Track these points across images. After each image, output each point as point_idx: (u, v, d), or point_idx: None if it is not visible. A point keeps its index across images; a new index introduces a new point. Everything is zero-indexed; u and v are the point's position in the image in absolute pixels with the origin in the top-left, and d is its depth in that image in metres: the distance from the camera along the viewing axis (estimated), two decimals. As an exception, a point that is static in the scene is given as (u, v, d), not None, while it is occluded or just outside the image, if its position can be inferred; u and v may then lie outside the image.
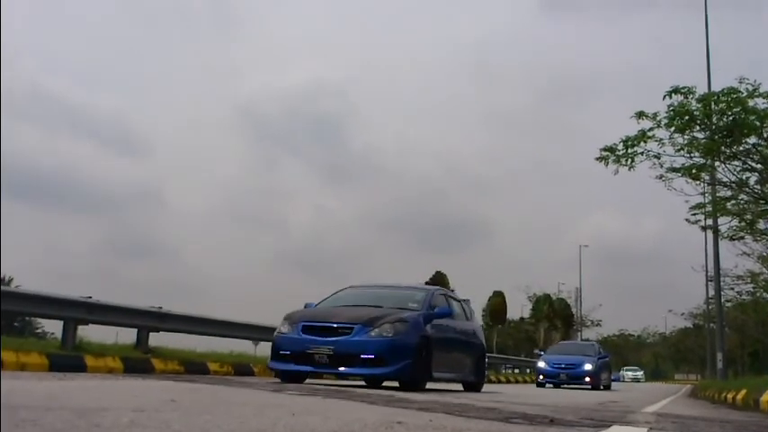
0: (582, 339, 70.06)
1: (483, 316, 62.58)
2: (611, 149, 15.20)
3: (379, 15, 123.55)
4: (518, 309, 68.41)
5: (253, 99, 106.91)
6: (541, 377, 21.14)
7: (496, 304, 59.47)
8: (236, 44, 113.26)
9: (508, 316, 64.08)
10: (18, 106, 79.77)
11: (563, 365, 20.84)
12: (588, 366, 20.68)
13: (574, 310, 65.33)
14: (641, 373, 71.60)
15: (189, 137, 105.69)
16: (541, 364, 21.72)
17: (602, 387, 20.84)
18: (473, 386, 11.72)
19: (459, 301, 12.24)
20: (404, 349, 9.13)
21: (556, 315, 62.47)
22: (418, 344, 9.38)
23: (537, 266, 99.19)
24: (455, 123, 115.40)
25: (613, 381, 56.47)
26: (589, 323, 68.45)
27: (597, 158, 15.41)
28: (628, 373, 68.73)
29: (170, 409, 3.95)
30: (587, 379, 20.49)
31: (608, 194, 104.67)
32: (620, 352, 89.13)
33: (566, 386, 20.63)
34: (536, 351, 27.76)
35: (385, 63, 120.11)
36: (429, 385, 10.42)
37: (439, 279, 60.48)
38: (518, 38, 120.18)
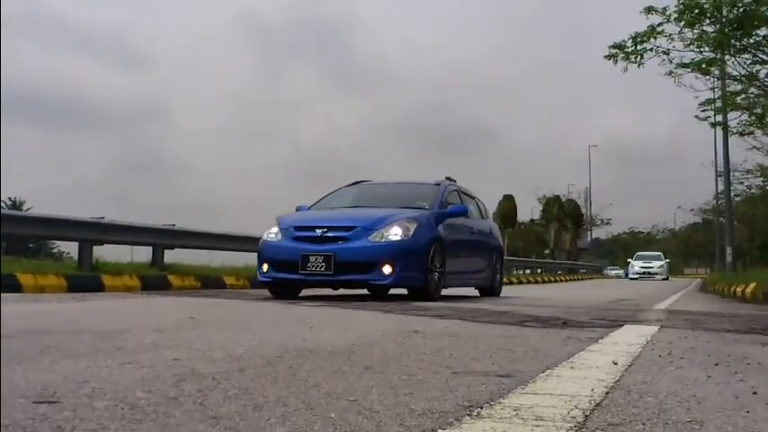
0: (588, 239, 70.87)
1: (494, 219, 62.91)
2: (620, 47, 14.93)
3: None
4: (528, 211, 68.78)
5: (254, 7, 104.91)
6: (265, 267, 8.44)
7: (507, 208, 59.57)
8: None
9: (519, 218, 64.40)
10: (17, 26, 78.62)
11: (319, 234, 8.14)
12: (393, 233, 8.10)
13: (584, 211, 65.60)
14: (660, 264, 41.32)
15: (192, 49, 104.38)
16: (271, 237, 8.59)
17: (437, 290, 8.51)
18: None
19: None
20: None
21: (566, 216, 62.76)
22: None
23: (547, 169, 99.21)
24: (462, 26, 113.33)
25: (624, 276, 43.89)
26: (599, 222, 68.89)
27: (606, 56, 15.15)
28: (636, 264, 41.51)
29: (190, 326, 4.03)
30: (386, 269, 7.93)
31: (618, 94, 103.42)
32: (629, 249, 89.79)
33: (328, 288, 9.08)
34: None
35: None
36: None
37: (448, 184, 60.54)
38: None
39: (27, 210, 41.65)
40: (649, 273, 39.57)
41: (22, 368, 2.32)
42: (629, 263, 43.30)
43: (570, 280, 34.68)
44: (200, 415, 1.70)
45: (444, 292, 8.92)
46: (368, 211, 8.81)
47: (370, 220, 8.24)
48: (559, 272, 40.01)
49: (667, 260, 42.97)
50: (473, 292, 10.82)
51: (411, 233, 8.08)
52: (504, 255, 11.94)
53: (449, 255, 8.74)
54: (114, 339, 3.24)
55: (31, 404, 1.76)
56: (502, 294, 11.01)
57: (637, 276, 39.20)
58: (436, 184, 9.84)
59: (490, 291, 10.78)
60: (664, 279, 38.01)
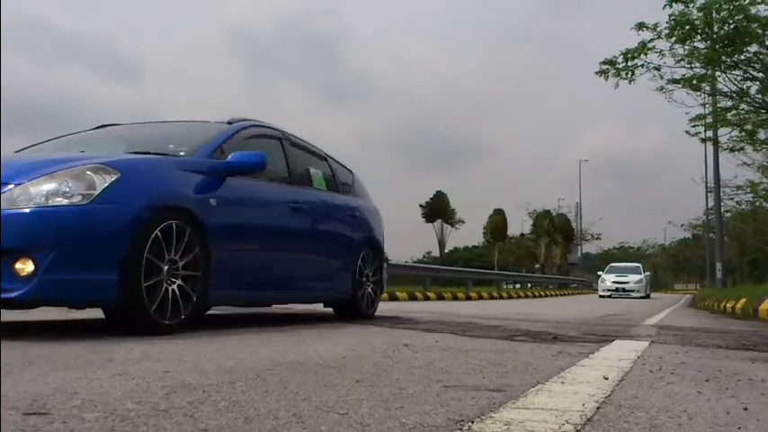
0: (579, 254, 71.08)
1: (484, 233, 63.19)
2: (612, 63, 15.03)
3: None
4: (519, 225, 69.01)
5: (244, 21, 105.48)
6: None
7: (497, 221, 59.80)
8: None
9: (509, 232, 64.53)
10: (7, 36, 78.63)
11: None
12: (54, 193, 3.81)
13: (574, 225, 65.76)
14: (638, 278, 30.78)
15: (182, 61, 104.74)
16: None
17: (170, 313, 4.26)
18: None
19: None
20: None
21: (556, 230, 62.87)
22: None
23: (537, 183, 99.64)
24: (453, 41, 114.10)
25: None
26: (589, 237, 69.05)
27: (597, 72, 15.25)
28: (608, 278, 31.11)
29: (180, 340, 4.01)
30: (22, 267, 3.65)
31: (609, 109, 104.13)
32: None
33: None
34: None
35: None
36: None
37: (439, 199, 60.67)
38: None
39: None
40: (624, 289, 29.86)
41: (11, 379, 2.31)
42: (599, 276, 33.57)
43: (561, 294, 34.71)
44: (190, 427, 1.69)
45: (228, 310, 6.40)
46: (24, 156, 4.95)
47: (13, 167, 4.00)
48: (551, 286, 40.09)
49: (647, 273, 33.36)
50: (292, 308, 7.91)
51: (98, 193, 3.91)
52: (385, 255, 7.58)
53: (222, 245, 4.70)
54: (104, 351, 3.22)
55: (21, 416, 1.75)
56: (378, 313, 7.20)
57: (608, 294, 29.78)
58: (228, 123, 5.61)
59: (352, 308, 6.72)
60: (642, 297, 28.82)
